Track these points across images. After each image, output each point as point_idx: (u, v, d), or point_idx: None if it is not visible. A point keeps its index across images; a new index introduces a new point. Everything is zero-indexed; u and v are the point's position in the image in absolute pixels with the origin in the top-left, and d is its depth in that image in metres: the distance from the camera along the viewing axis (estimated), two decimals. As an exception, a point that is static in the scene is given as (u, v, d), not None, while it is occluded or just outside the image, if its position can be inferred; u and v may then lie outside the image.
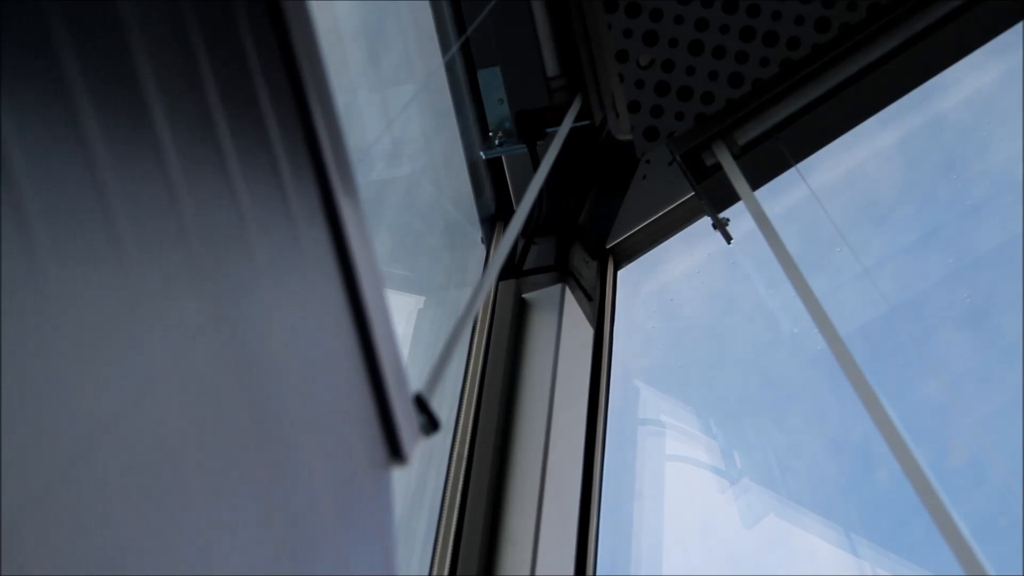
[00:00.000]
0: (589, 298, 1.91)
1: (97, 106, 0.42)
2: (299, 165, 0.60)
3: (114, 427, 0.39)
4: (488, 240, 2.09)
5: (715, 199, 1.75)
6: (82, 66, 0.42)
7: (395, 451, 0.66)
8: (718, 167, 1.72)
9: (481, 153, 1.91)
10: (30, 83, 0.38)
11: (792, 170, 1.77)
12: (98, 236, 0.40)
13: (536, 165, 1.78)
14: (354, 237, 0.62)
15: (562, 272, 1.92)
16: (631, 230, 2.08)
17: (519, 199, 2.03)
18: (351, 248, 0.62)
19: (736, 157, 1.71)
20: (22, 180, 0.36)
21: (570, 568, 1.41)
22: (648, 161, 1.92)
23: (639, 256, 2.11)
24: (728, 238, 1.78)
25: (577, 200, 2.04)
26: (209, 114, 0.52)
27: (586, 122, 1.84)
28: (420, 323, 1.88)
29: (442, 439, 1.60)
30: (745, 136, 1.75)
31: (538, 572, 1.33)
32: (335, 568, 0.57)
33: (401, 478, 1.43)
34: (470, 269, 2.09)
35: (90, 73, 0.42)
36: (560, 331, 1.78)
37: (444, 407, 1.63)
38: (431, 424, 0.73)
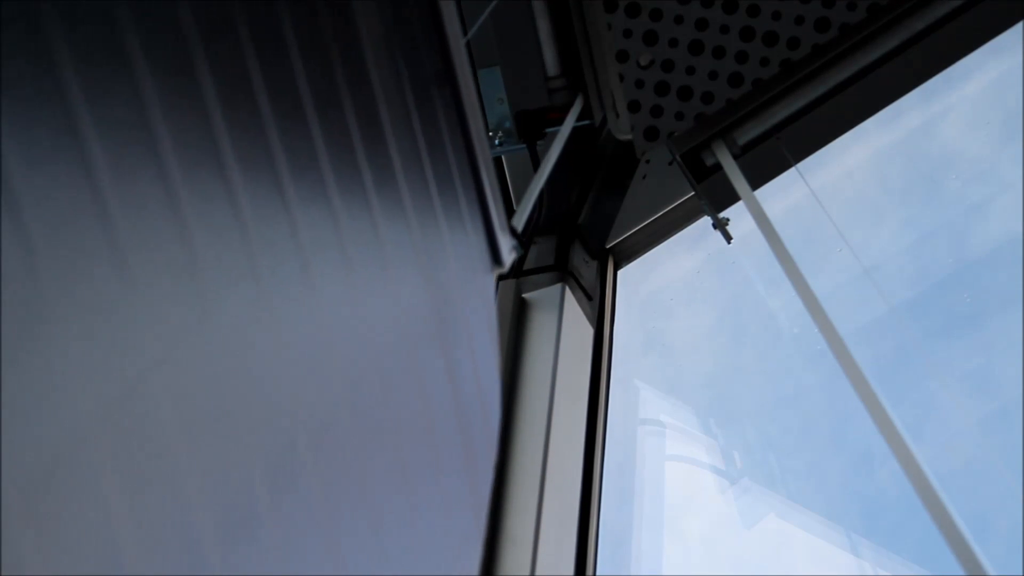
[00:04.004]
0: (589, 298, 1.91)
1: (327, 140, 0.59)
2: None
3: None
4: (488, 240, 2.08)
5: (715, 199, 1.75)
6: (314, 100, 0.58)
7: (496, 259, 1.05)
8: (718, 167, 1.72)
9: (481, 153, 1.91)
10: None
11: (792, 170, 1.77)
12: (337, 260, 0.60)
13: (536, 165, 1.78)
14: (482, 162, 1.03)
15: (562, 272, 1.92)
16: (631, 230, 2.08)
17: (519, 199, 2.03)
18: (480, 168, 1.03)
19: (736, 157, 1.71)
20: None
21: (570, 568, 1.41)
22: (648, 161, 1.91)
23: (639, 256, 2.11)
24: (728, 238, 1.78)
25: (577, 200, 2.04)
26: (390, 162, 0.77)
27: (586, 122, 1.84)
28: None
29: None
30: (745, 136, 1.74)
31: (538, 572, 1.33)
32: (468, 337, 0.91)
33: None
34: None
35: (318, 105, 0.58)
36: (560, 331, 1.78)
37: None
38: (521, 245, 1.11)
